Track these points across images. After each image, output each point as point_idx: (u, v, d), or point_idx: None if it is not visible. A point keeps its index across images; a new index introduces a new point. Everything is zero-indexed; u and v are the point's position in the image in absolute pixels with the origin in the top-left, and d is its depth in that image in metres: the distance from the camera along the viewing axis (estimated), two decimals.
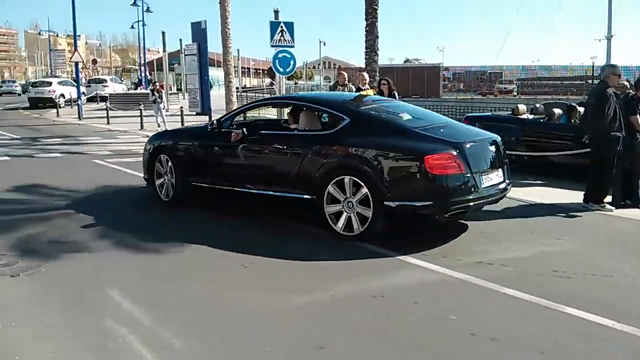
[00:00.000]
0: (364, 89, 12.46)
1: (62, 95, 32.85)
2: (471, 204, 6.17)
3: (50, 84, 34.46)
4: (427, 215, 6.27)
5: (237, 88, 28.64)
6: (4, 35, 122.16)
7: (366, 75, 13.44)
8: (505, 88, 53.87)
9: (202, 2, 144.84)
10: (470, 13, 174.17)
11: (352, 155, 6.28)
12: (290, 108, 8.37)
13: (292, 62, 14.87)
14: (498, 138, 6.82)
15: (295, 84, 59.93)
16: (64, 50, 64.70)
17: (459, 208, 6.15)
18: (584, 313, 4.34)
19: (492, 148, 6.58)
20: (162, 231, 6.81)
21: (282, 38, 15.09)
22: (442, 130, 6.61)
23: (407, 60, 67.65)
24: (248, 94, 36.15)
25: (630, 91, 8.55)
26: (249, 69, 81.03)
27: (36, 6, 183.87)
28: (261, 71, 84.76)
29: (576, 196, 8.31)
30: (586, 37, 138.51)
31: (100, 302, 4.61)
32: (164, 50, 36.74)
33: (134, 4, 44.53)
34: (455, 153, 5.95)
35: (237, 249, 5.96)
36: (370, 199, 6.00)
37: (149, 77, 52.58)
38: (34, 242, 6.26)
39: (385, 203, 5.95)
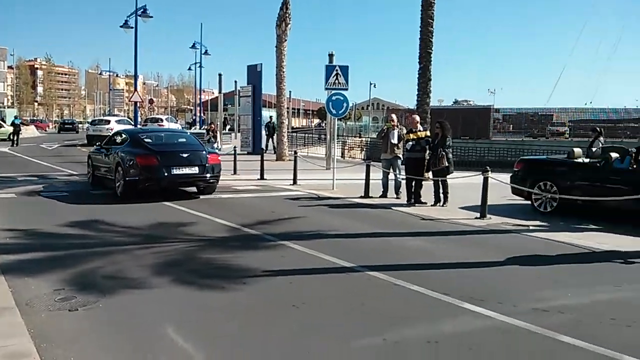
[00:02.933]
0: (416, 131, 12.54)
1: None
2: (161, 182, 12.40)
3: (108, 122, 35.36)
4: (136, 184, 12.23)
5: (287, 128, 29.15)
6: (66, 74, 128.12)
7: (417, 117, 13.52)
8: (557, 130, 52.98)
9: (255, 45, 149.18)
10: (523, 55, 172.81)
11: (120, 155, 12.76)
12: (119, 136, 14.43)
13: (345, 105, 15.08)
14: (203, 153, 12.96)
15: (345, 124, 60.49)
16: (122, 89, 67.54)
17: (152, 182, 12.32)
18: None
19: (186, 156, 12.63)
20: (218, 270, 6.94)
21: (336, 81, 15.37)
22: (163, 146, 13.27)
23: (456, 102, 67.56)
24: (298, 134, 36.83)
25: None
26: (299, 109, 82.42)
27: (99, 47, 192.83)
28: (310, 112, 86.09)
29: (635, 242, 8.06)
30: None
31: (156, 339, 4.71)
32: (220, 92, 37.84)
33: (193, 47, 46.30)
34: (154, 156, 12.35)
35: (289, 287, 6.04)
36: (122, 176, 12.41)
37: (203, 117, 54.17)
38: (93, 276, 6.48)
39: (127, 178, 12.23)
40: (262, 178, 16.84)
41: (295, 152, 17.21)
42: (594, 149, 11.81)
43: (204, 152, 13.03)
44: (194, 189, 13.31)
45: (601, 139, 14.60)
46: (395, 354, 4.47)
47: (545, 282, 6.44)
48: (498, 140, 43.00)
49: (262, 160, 17.37)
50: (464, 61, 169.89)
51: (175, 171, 12.30)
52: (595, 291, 6.11)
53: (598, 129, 15.49)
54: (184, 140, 14.21)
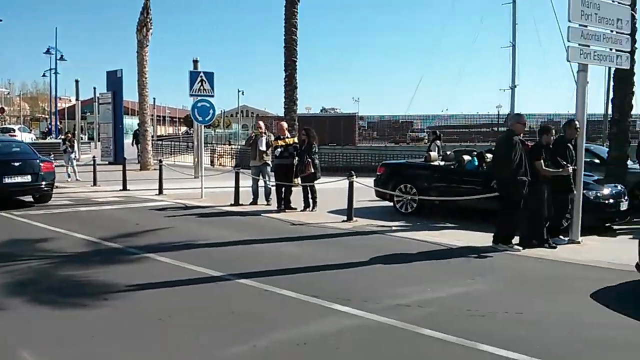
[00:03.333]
0: (283, 137, 12.66)
1: None
2: None
3: None
4: None
5: (152, 136, 28.25)
6: None
7: (285, 124, 13.67)
8: (416, 136, 56.11)
9: (115, 50, 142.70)
10: (383, 64, 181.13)
11: None
12: None
13: (211, 112, 14.86)
14: (36, 162, 13.00)
15: (214, 132, 59.69)
16: None
17: None
18: (497, 349, 4.52)
19: (19, 165, 12.51)
20: (78, 288, 6.50)
21: (201, 87, 15.12)
22: None
23: (323, 110, 69.17)
24: (164, 142, 35.73)
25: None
26: (164, 117, 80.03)
27: None
28: (177, 119, 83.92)
29: (487, 238, 8.72)
30: (492, 87, 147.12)
31: None
32: (77, 99, 35.71)
33: (47, 52, 43.29)
34: None
35: (155, 301, 5.81)
36: None
37: (59, 125, 50.83)
38: None
39: None
40: (124, 189, 16.10)
41: (161, 161, 16.66)
42: (431, 153, 12.72)
43: (37, 161, 13.12)
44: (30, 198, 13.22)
45: (438, 142, 15.96)
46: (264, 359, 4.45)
47: (406, 279, 6.77)
48: (363, 146, 44.73)
49: (124, 170, 16.62)
50: (330, 70, 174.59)
51: (7, 180, 12.37)
52: (452, 285, 6.50)
53: (437, 132, 17.15)
54: (18, 149, 14.03)
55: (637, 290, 6.42)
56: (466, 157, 11.58)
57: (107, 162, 24.76)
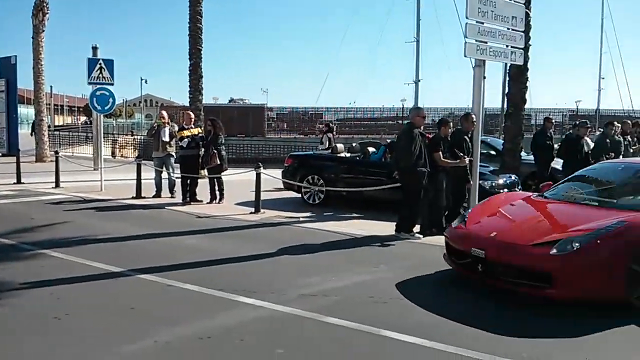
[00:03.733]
0: (188, 128, 12.38)
1: None
2: None
3: None
4: None
5: (48, 126, 26.77)
6: None
7: (191, 114, 13.37)
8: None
9: (11, 37, 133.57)
10: (294, 54, 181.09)
11: None
12: None
13: (111, 100, 14.27)
14: None
15: (115, 121, 57.40)
16: None
17: None
18: (399, 335, 4.67)
19: None
20: None
21: (100, 75, 14.46)
22: None
23: (231, 100, 68.23)
24: (61, 133, 33.95)
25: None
26: (62, 106, 76.01)
27: None
28: (76, 108, 79.97)
29: (390, 227, 8.97)
30: (398, 81, 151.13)
31: None
32: None
33: None
34: None
35: (50, 299, 5.52)
36: None
37: None
38: None
39: None
40: (19, 182, 15.13)
41: (57, 152, 15.81)
42: (321, 147, 13.04)
43: None
44: None
45: (330, 134, 16.45)
46: (165, 355, 4.33)
47: (311, 269, 6.83)
48: (272, 138, 44.68)
49: (18, 162, 15.64)
50: (238, 60, 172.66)
51: None
52: (356, 273, 6.64)
53: (330, 125, 17.81)
54: None
55: None
56: (371, 149, 11.86)
57: (0, 154, 23.20)
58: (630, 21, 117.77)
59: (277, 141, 36.27)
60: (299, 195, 12.17)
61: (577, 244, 5.30)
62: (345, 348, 4.52)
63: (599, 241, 5.31)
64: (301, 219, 10.24)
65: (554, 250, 5.36)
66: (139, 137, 35.03)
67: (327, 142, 16.27)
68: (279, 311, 5.25)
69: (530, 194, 7.65)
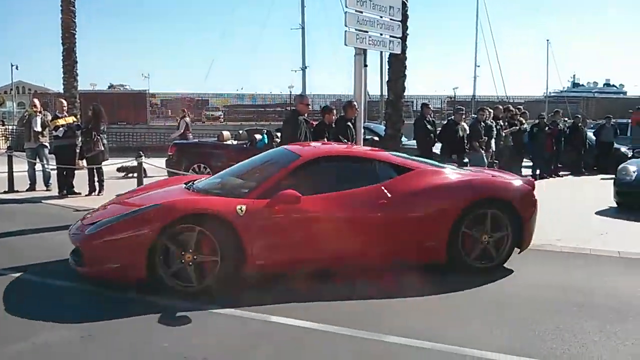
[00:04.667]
0: (62, 116, 11.72)
1: None
2: None
3: None
4: None
5: None
6: None
7: (64, 101, 12.63)
8: (212, 115, 55.78)
9: None
10: (177, 39, 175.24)
11: None
12: None
13: None
14: None
15: None
16: None
17: None
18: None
19: None
20: None
21: None
22: None
23: (111, 86, 65.07)
24: None
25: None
26: None
27: None
28: None
29: None
30: (286, 68, 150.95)
31: None
32: None
33: None
34: None
35: None
36: None
37: None
38: None
39: None
40: None
41: None
42: (224, 132, 12.96)
43: None
44: None
45: (187, 119, 16.61)
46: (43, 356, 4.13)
47: None
48: (156, 125, 43.17)
49: None
50: (117, 43, 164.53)
51: None
52: None
53: (185, 110, 18.15)
54: None
55: None
56: (258, 136, 11.86)
57: None
58: (503, 10, 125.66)
59: (161, 129, 35.18)
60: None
61: (110, 224, 5.44)
62: (222, 334, 4.53)
63: (124, 222, 5.42)
64: None
65: (86, 231, 5.56)
66: (10, 127, 32.59)
67: (185, 127, 16.42)
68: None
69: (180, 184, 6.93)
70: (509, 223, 6.09)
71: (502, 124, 14.32)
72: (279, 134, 11.20)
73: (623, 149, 16.86)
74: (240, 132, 13.22)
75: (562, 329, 4.62)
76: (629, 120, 20.43)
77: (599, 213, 10.09)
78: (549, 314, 4.96)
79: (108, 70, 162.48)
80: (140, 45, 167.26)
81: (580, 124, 17.52)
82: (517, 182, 6.62)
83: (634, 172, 10.66)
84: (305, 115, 9.01)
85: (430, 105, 13.77)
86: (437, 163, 7.24)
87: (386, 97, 16.36)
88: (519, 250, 6.36)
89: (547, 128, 16.03)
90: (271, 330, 4.64)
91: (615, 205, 10.59)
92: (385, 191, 5.98)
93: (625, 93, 74.16)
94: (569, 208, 10.50)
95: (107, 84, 65.48)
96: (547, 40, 75.61)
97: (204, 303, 5.10)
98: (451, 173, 6.56)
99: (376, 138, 14.92)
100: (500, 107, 15.68)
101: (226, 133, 12.78)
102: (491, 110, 13.78)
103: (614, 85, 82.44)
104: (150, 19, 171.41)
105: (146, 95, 54.39)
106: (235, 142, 12.43)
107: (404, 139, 14.76)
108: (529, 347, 4.29)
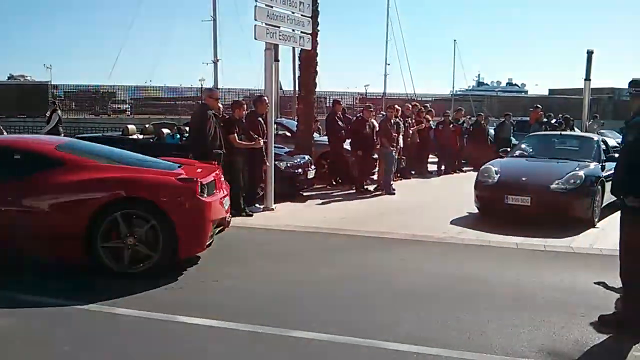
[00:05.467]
0: None
1: None
2: None
3: None
4: None
5: None
6: None
7: None
8: (118, 107, 53.68)
9: None
10: (81, 29, 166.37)
11: None
12: None
13: None
14: None
15: None
16: None
17: None
18: (194, 319, 4.67)
19: None
20: None
21: None
22: None
23: (11, 77, 61.12)
24: None
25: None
26: None
27: None
28: None
29: None
30: (197, 60, 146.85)
31: None
32: None
33: None
34: None
35: None
36: None
37: None
38: None
39: None
40: None
41: None
42: (129, 126, 12.54)
43: None
44: None
45: (59, 111, 16.29)
46: None
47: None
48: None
49: None
50: (16, 32, 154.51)
51: None
52: None
53: (56, 102, 17.71)
54: None
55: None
56: (165, 131, 11.53)
57: None
58: (414, 10, 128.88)
59: (65, 122, 33.41)
60: None
61: None
62: (135, 336, 4.40)
63: None
64: None
65: None
66: None
67: (57, 120, 15.68)
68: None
69: None
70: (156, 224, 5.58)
71: (410, 121, 14.76)
72: (187, 129, 10.94)
73: None
74: (147, 126, 12.76)
75: (461, 318, 4.83)
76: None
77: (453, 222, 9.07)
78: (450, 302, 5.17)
79: (7, 60, 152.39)
80: (43, 35, 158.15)
81: (482, 122, 18.41)
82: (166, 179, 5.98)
83: (497, 173, 9.22)
84: (218, 109, 8.86)
85: (341, 102, 13.95)
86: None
87: (298, 92, 16.37)
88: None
89: (451, 125, 16.69)
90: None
91: (475, 210, 9.42)
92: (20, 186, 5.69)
93: (526, 92, 78.21)
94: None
95: (7, 74, 61.36)
96: (454, 40, 78.29)
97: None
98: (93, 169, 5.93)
99: (288, 134, 14.90)
100: (409, 105, 16.16)
101: (132, 127, 12.30)
102: (399, 108, 14.16)
103: (516, 85, 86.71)
104: (54, 8, 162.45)
105: (48, 86, 51.61)
106: (141, 137, 12.00)
107: (315, 134, 14.85)
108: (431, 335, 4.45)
